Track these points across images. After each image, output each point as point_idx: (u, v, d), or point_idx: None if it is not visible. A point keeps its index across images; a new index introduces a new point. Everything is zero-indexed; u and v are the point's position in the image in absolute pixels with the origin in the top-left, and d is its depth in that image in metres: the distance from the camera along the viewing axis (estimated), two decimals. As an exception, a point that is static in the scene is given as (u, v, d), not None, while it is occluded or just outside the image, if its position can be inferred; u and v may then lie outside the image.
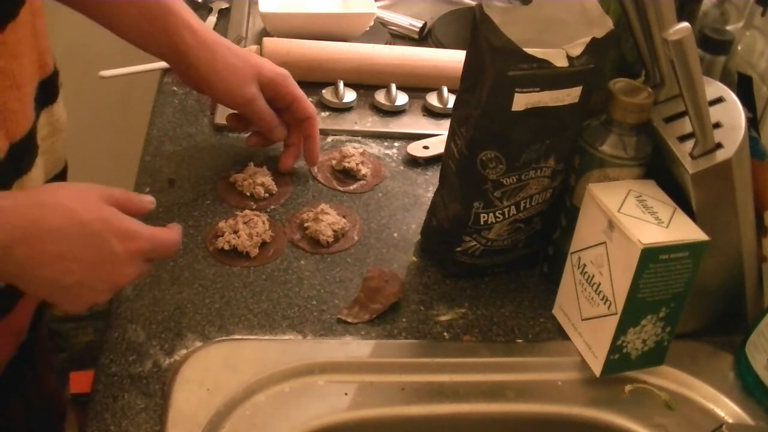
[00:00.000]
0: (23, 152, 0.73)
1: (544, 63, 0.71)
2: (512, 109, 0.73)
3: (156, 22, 0.85)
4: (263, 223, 0.86)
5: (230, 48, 0.88)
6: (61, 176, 0.86)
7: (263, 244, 0.85)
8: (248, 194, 0.91)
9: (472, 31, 0.74)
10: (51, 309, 1.00)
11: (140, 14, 0.84)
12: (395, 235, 0.90)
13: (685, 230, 0.71)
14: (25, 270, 0.63)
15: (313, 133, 0.93)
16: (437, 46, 1.24)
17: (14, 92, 0.70)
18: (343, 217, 0.89)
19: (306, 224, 0.88)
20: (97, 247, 0.65)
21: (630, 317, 0.72)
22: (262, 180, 0.92)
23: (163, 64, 1.11)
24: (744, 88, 0.89)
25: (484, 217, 0.80)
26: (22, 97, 0.72)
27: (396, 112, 1.09)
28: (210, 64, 0.87)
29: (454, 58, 1.12)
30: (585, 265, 0.75)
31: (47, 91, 0.80)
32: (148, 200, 0.73)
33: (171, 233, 0.72)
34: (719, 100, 0.76)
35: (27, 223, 0.62)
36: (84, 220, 0.64)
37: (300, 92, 0.92)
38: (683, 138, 0.75)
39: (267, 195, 0.92)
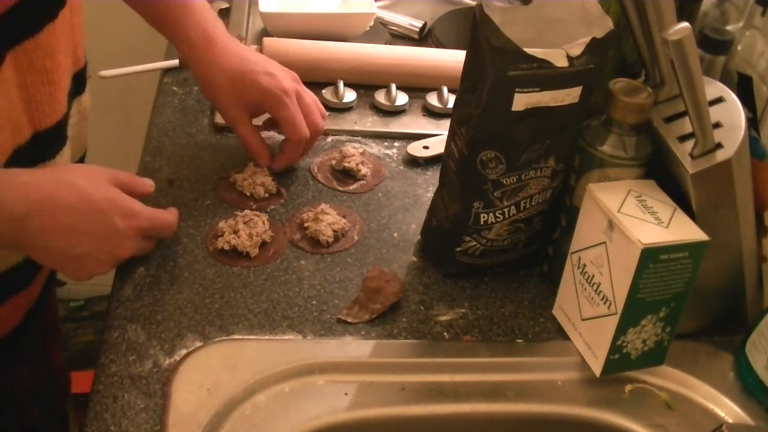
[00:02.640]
0: (50, 140, 0.77)
1: (544, 63, 0.71)
2: (512, 109, 0.73)
3: (168, 25, 0.90)
4: (263, 223, 0.86)
5: (231, 65, 0.89)
6: (81, 160, 0.92)
7: (263, 244, 0.85)
8: (248, 194, 0.91)
9: (472, 31, 0.74)
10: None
11: (164, 13, 0.90)
12: (395, 235, 0.90)
13: (685, 230, 0.71)
14: (38, 240, 0.69)
15: (288, 151, 0.93)
16: (437, 46, 1.24)
17: (45, 87, 0.75)
18: (343, 217, 0.89)
19: (306, 224, 0.88)
20: (103, 222, 0.72)
21: (630, 317, 0.72)
22: (262, 180, 0.92)
23: (163, 64, 1.11)
24: (744, 88, 0.89)
25: (484, 217, 0.80)
26: (53, 92, 0.76)
27: (396, 112, 1.09)
28: (204, 78, 0.91)
29: (454, 58, 1.12)
30: (585, 265, 0.75)
31: (78, 83, 0.86)
32: (148, 183, 0.82)
33: (168, 215, 0.80)
34: (719, 100, 0.76)
35: (43, 198, 0.69)
36: (92, 198, 0.71)
37: (288, 114, 0.90)
38: (683, 138, 0.75)
39: (267, 195, 0.92)
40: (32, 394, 0.96)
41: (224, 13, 1.25)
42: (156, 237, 0.81)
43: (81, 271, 0.73)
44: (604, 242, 0.72)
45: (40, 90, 0.74)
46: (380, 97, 1.09)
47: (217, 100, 0.92)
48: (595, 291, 0.74)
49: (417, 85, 1.12)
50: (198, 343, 0.74)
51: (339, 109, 1.07)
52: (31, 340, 0.90)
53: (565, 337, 0.79)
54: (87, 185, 0.71)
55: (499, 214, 0.80)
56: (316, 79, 1.09)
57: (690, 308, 0.75)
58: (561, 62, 0.72)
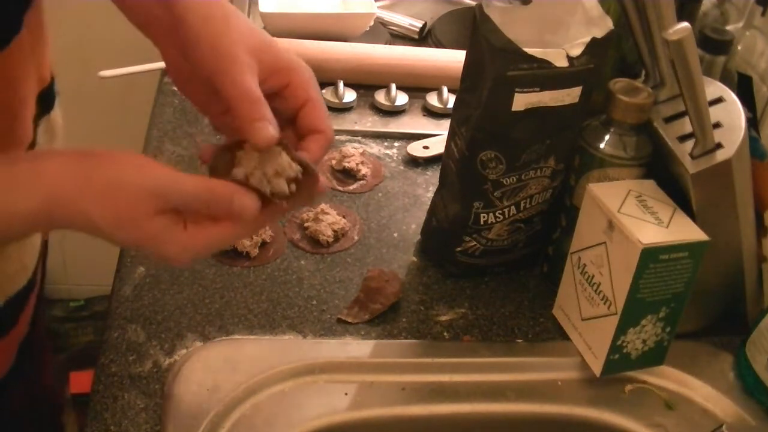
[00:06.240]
0: None
1: (544, 63, 0.71)
2: (512, 109, 0.73)
3: None
4: (263, 223, 0.86)
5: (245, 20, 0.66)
6: None
7: (263, 244, 0.85)
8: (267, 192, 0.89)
9: (472, 31, 0.74)
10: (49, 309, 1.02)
11: None
12: (395, 235, 0.90)
13: (685, 230, 0.71)
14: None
15: (315, 149, 0.63)
16: (437, 46, 1.24)
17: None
18: (343, 217, 0.89)
19: (306, 224, 0.88)
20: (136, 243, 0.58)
21: (630, 317, 0.72)
22: (275, 167, 0.85)
23: (163, 64, 1.10)
24: (744, 88, 0.89)
25: (484, 217, 0.80)
26: (10, 124, 0.69)
27: (396, 112, 1.09)
28: (211, 9, 0.63)
29: (454, 58, 1.12)
30: (585, 265, 0.75)
31: (46, 101, 0.78)
32: (248, 207, 0.60)
33: (230, 230, 0.59)
34: (719, 100, 0.76)
35: (64, 224, 0.57)
36: (114, 240, 0.57)
37: (319, 96, 0.64)
38: (683, 138, 0.75)
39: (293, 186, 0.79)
40: (27, 414, 0.93)
41: (224, 13, 1.25)
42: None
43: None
44: (604, 242, 0.72)
45: None
46: (380, 97, 1.09)
47: (222, 33, 0.62)
48: (595, 291, 0.74)
49: (417, 85, 1.12)
50: (198, 343, 0.74)
51: (339, 109, 1.07)
52: (23, 365, 0.87)
53: (565, 337, 0.79)
54: (104, 225, 0.55)
55: (499, 214, 0.80)
56: (316, 79, 1.09)
57: (690, 308, 0.74)
58: (561, 62, 0.72)
